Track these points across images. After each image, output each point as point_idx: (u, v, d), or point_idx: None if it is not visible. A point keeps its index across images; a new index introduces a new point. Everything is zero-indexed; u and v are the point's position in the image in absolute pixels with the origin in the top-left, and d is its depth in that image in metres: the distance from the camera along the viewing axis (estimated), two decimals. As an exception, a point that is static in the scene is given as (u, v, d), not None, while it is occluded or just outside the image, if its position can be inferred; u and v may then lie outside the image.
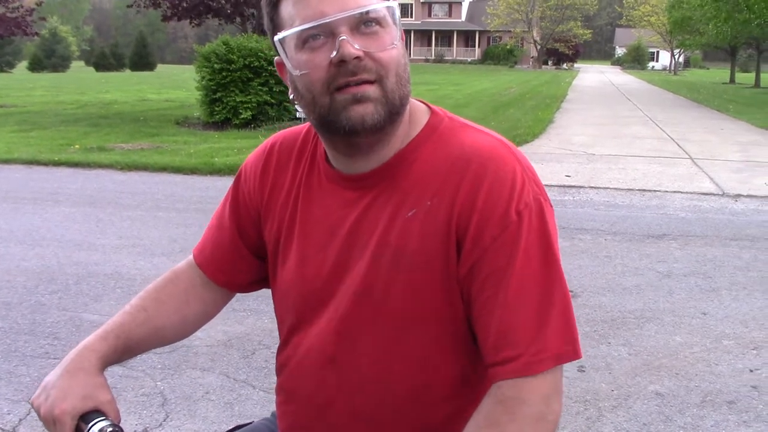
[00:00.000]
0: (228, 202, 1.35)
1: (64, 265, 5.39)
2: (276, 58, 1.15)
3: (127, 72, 62.51)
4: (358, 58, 1.03)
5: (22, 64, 68.41)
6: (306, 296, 1.22)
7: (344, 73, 1.04)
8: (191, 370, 3.73)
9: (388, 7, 1.07)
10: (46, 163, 10.12)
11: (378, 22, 1.06)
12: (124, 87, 31.12)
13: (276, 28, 1.10)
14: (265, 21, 1.14)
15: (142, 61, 68.62)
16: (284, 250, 1.25)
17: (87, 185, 8.75)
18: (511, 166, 1.10)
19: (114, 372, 3.62)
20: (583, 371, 3.72)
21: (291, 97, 1.14)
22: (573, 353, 1.06)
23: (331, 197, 1.19)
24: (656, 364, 3.82)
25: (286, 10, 1.07)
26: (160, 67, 73.28)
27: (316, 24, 1.03)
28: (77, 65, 78.79)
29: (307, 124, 1.25)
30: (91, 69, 69.72)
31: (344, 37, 1.03)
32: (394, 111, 1.09)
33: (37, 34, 22.56)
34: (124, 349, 1.25)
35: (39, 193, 8.21)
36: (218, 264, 1.35)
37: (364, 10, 1.04)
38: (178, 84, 31.13)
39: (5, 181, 9.00)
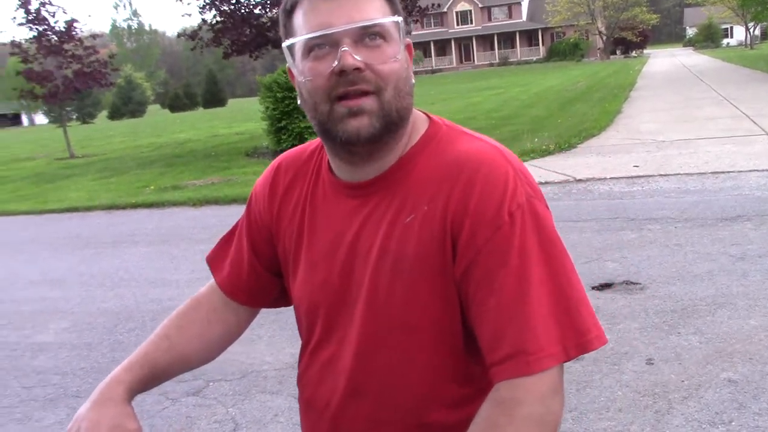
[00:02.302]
0: (243, 225, 1.41)
1: (140, 303, 5.62)
2: (287, 63, 1.21)
3: (200, 110, 64.55)
4: (358, 69, 1.07)
5: (102, 114, 71.54)
6: (316, 305, 1.26)
7: (344, 82, 1.08)
8: (260, 394, 3.83)
9: (394, 22, 1.12)
10: (124, 207, 10.55)
11: (382, 35, 1.10)
12: (197, 125, 32.11)
13: (288, 35, 1.16)
14: (281, 28, 1.20)
15: (214, 98, 70.81)
16: (294, 263, 1.30)
17: (162, 224, 9.08)
18: (503, 170, 1.11)
19: (188, 402, 3.77)
20: (652, 364, 3.64)
21: (298, 102, 1.19)
22: (574, 349, 1.04)
23: (335, 206, 1.23)
24: (729, 351, 3.70)
25: (298, 19, 1.13)
26: (231, 101, 75.30)
27: (320, 34, 1.09)
28: (153, 108, 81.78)
29: (313, 141, 1.31)
30: (167, 111, 72.35)
31: (345, 48, 1.07)
32: (390, 123, 1.12)
33: (113, 83, 23.52)
34: (149, 378, 1.32)
35: (118, 236, 8.57)
36: (238, 284, 1.40)
37: (367, 23, 1.08)
38: (247, 116, 31.90)
39: (87, 228, 9.43)
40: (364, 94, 1.09)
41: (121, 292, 5.99)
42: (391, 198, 1.17)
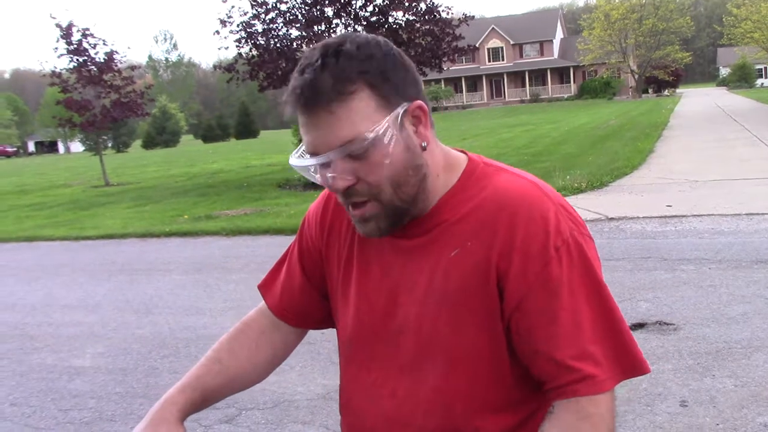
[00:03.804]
0: (295, 247, 1.48)
1: (174, 330, 5.70)
2: None
3: (233, 141, 65.37)
4: (347, 187, 1.15)
5: (137, 143, 72.71)
6: (362, 334, 1.32)
7: (342, 198, 1.19)
8: (293, 423, 3.86)
9: (376, 132, 1.11)
10: (158, 235, 10.71)
11: (365, 148, 1.12)
12: (230, 156, 32.52)
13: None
14: None
15: (246, 130, 71.74)
16: (344, 291, 1.36)
17: (195, 253, 9.20)
18: (545, 205, 1.17)
19: (221, 430, 3.81)
20: (686, 406, 3.61)
21: None
22: (631, 372, 1.15)
23: (382, 244, 1.29)
24: (765, 395, 3.66)
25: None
26: (263, 133, 76.17)
27: (306, 165, 1.17)
28: (186, 139, 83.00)
29: None
30: (200, 141, 73.36)
31: (332, 175, 1.14)
32: (399, 214, 1.20)
33: (148, 114, 23.99)
34: (201, 400, 1.39)
35: (152, 264, 8.71)
36: (290, 306, 1.47)
37: (345, 152, 1.11)
38: (279, 148, 32.25)
39: (122, 255, 9.59)
40: (364, 203, 1.17)
41: (155, 319, 6.08)
42: (435, 235, 1.23)
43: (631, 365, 1.15)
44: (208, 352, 1.46)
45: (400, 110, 1.14)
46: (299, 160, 1.19)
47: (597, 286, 1.15)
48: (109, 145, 64.08)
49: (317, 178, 1.19)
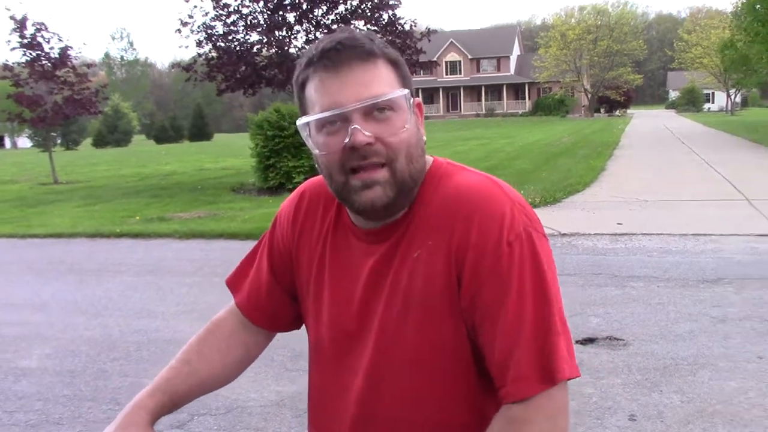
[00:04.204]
0: (265, 246, 1.47)
1: (125, 333, 5.60)
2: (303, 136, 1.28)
3: (186, 143, 64.57)
4: (368, 143, 1.15)
5: (87, 141, 71.30)
6: (332, 337, 1.33)
7: (356, 156, 1.16)
8: (245, 430, 3.83)
9: (402, 95, 1.19)
10: (108, 235, 10.52)
11: (390, 108, 1.17)
12: (183, 158, 32.11)
13: (302, 108, 1.24)
14: (295, 99, 1.29)
15: (200, 132, 70.91)
16: (315, 293, 1.37)
17: (147, 255, 9.07)
18: (501, 201, 1.19)
19: (172, 435, 3.75)
20: (635, 420, 3.69)
21: (317, 167, 1.27)
22: (571, 371, 1.13)
23: (353, 246, 1.31)
24: (710, 411, 3.76)
25: (310, 93, 1.21)
26: (217, 136, 75.39)
27: (330, 114, 1.16)
28: (138, 139, 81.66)
29: None
30: (152, 142, 72.24)
31: (356, 126, 1.15)
32: (404, 189, 1.21)
33: (101, 112, 23.56)
34: (171, 403, 1.38)
35: (102, 264, 8.55)
36: (257, 305, 1.47)
37: (375, 100, 1.16)
38: (234, 152, 31.99)
39: (70, 254, 9.40)
40: (377, 166, 1.17)
41: (104, 321, 5.97)
42: (400, 236, 1.25)
43: (566, 368, 1.12)
44: (177, 353, 1.45)
45: (410, 95, 1.21)
46: (313, 116, 1.18)
47: (543, 285, 1.15)
48: (59, 141, 62.81)
49: (317, 141, 1.19)
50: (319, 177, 1.45)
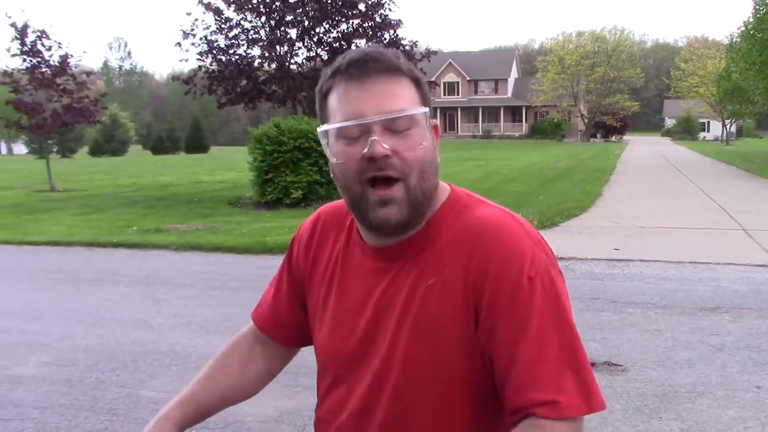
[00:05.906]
0: (285, 267, 1.51)
1: (122, 344, 5.58)
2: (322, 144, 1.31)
3: (182, 154, 64.60)
4: (386, 156, 1.18)
5: (83, 150, 71.23)
6: (341, 358, 1.35)
7: (373, 167, 1.19)
8: (244, 445, 3.82)
9: (422, 113, 1.22)
10: (105, 245, 10.50)
11: (410, 124, 1.20)
12: (180, 169, 32.12)
13: (323, 116, 1.27)
14: (317, 109, 1.31)
15: (197, 144, 71.01)
16: (322, 314, 1.40)
17: (144, 266, 9.05)
18: (522, 238, 1.22)
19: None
20: (634, 446, 3.69)
21: (332, 176, 1.29)
22: (598, 404, 1.15)
23: (363, 267, 1.33)
24: (709, 439, 3.77)
25: (332, 102, 1.24)
26: (213, 149, 75.48)
27: (352, 124, 1.19)
28: (135, 149, 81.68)
29: None
30: (149, 152, 72.25)
31: (375, 138, 1.17)
32: (417, 206, 1.23)
33: (99, 121, 23.59)
34: (195, 416, 1.43)
35: (99, 274, 8.53)
36: (276, 325, 1.52)
37: (397, 114, 1.19)
38: (230, 165, 32.01)
39: (67, 263, 9.37)
40: (391, 181, 1.19)
41: (101, 331, 5.95)
42: (414, 262, 1.26)
43: (594, 399, 1.15)
44: (204, 367, 1.50)
45: (429, 114, 1.24)
46: (335, 124, 1.21)
47: (566, 320, 1.18)
48: (55, 149, 62.66)
49: (336, 150, 1.22)
50: (337, 201, 1.48)
